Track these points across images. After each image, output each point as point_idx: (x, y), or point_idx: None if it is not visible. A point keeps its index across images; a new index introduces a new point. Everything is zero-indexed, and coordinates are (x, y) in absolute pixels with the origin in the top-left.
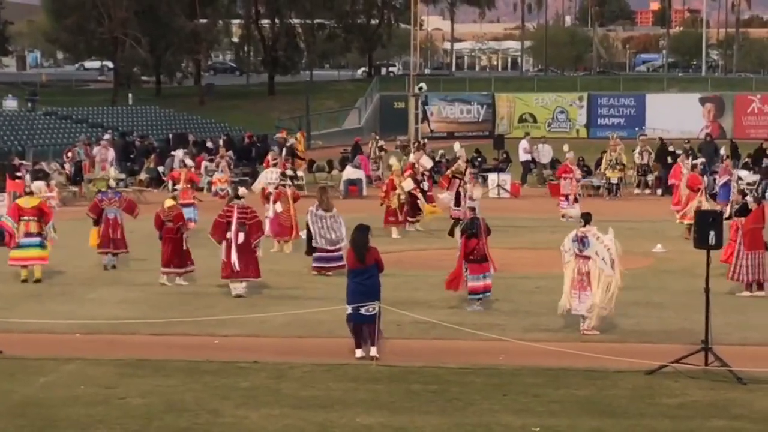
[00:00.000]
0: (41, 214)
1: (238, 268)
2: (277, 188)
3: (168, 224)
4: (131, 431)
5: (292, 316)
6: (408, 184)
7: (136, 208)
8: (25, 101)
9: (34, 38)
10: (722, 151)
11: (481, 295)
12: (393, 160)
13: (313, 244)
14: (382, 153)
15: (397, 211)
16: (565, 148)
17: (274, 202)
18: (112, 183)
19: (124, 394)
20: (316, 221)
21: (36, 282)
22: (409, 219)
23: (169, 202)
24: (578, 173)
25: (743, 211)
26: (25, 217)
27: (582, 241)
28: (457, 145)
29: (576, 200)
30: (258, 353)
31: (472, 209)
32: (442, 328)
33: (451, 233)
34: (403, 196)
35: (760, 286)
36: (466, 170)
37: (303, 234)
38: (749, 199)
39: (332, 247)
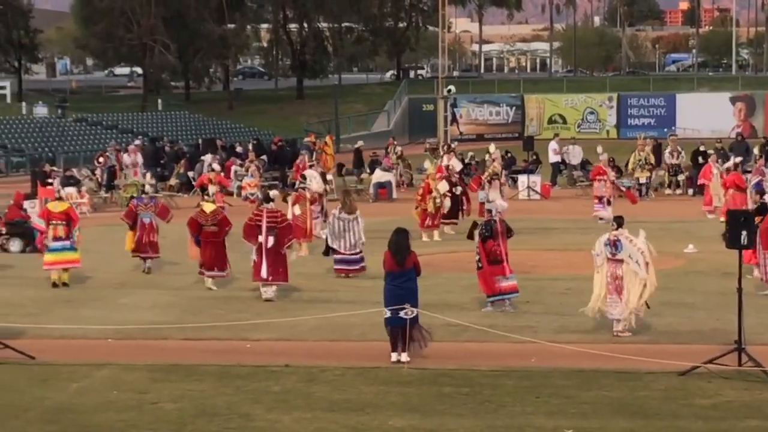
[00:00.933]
0: (69, 219)
1: (267, 273)
2: (297, 191)
3: (211, 228)
4: None
5: (323, 320)
6: (443, 186)
7: (169, 214)
8: (56, 108)
9: (63, 45)
10: (755, 151)
11: (507, 297)
12: (428, 164)
13: (330, 245)
14: (400, 161)
15: (433, 215)
16: (599, 149)
17: (293, 204)
18: (148, 188)
19: (157, 399)
20: (338, 224)
21: (64, 286)
22: (444, 221)
23: (210, 207)
24: (612, 175)
25: (762, 210)
26: (54, 222)
27: (615, 245)
28: (492, 147)
29: (609, 202)
30: (289, 357)
31: (489, 211)
32: (473, 331)
33: (470, 236)
34: (438, 200)
35: None
36: (501, 171)
37: (322, 234)
38: (767, 198)
39: (351, 251)
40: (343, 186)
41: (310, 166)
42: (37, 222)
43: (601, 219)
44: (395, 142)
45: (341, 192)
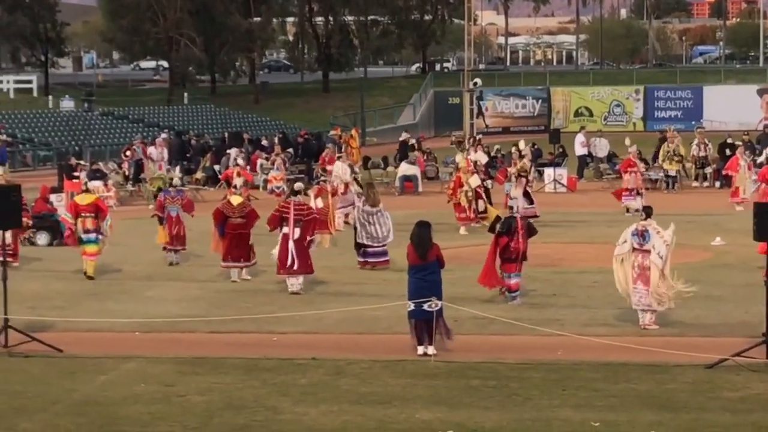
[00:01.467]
0: (98, 211)
1: (294, 264)
2: (318, 184)
3: (238, 220)
4: (191, 429)
5: (349, 313)
6: (474, 181)
7: (194, 208)
8: (82, 102)
9: (90, 39)
10: None
11: (513, 294)
12: (459, 157)
13: (357, 240)
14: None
15: (466, 208)
16: (627, 141)
17: (315, 198)
18: (176, 182)
19: (184, 391)
20: (363, 216)
21: (89, 279)
22: (479, 216)
23: (237, 199)
24: (642, 167)
25: None
26: (83, 214)
27: (642, 235)
28: (522, 143)
29: (639, 193)
30: (316, 350)
31: (510, 208)
32: (500, 324)
33: (492, 230)
34: (470, 193)
35: None
36: (531, 168)
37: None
38: None
39: (377, 244)
40: (368, 179)
41: (338, 158)
42: (65, 216)
43: (628, 211)
44: (408, 136)
45: (365, 185)
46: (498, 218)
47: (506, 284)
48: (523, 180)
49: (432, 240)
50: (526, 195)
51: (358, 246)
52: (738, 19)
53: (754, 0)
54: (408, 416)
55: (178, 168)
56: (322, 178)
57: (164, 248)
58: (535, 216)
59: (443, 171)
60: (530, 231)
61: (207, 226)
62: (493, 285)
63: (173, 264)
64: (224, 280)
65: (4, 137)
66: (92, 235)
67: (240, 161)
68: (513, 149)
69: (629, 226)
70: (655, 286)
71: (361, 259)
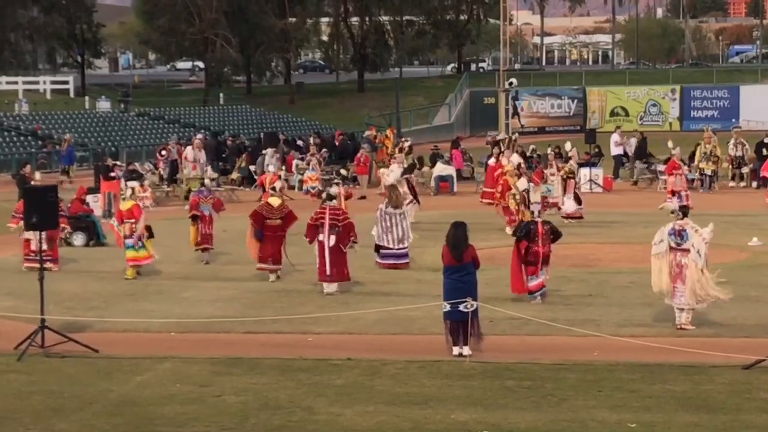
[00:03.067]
0: (134, 217)
1: (330, 272)
2: (344, 187)
3: (276, 222)
4: (227, 429)
5: (384, 313)
6: (522, 184)
7: (223, 207)
8: (118, 102)
9: (126, 40)
10: None
11: (537, 293)
12: (517, 159)
13: (377, 242)
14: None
15: (514, 211)
16: (670, 144)
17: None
18: (207, 182)
19: (219, 392)
20: (384, 219)
21: (126, 279)
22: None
23: (276, 201)
24: (686, 169)
25: None
26: (125, 220)
27: (680, 234)
28: (568, 145)
29: (674, 193)
30: (351, 350)
31: (532, 213)
32: (535, 324)
33: (515, 234)
34: (518, 196)
35: None
36: (578, 170)
37: (373, 232)
38: None
39: (398, 246)
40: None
41: (391, 156)
42: (113, 224)
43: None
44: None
45: (388, 187)
46: (521, 222)
47: (530, 288)
48: (572, 182)
49: (468, 240)
50: (575, 196)
51: (377, 247)
52: None
53: None
54: (443, 417)
55: (209, 168)
56: (335, 180)
57: (198, 248)
58: (581, 217)
59: (479, 171)
60: (555, 235)
61: (243, 226)
62: (523, 291)
63: (207, 263)
64: (260, 280)
65: (68, 136)
66: (129, 241)
67: (271, 167)
68: (549, 150)
69: (665, 226)
70: (693, 283)
71: (380, 261)
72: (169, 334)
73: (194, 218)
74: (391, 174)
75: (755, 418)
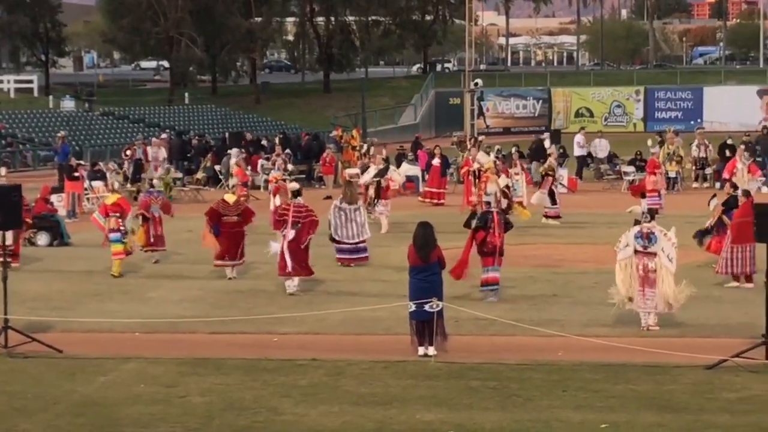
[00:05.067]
0: (121, 210)
1: (290, 267)
2: (277, 183)
3: (233, 218)
4: (192, 430)
5: (349, 314)
6: (503, 181)
7: (170, 211)
8: (83, 102)
9: (90, 39)
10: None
11: (489, 288)
12: (483, 158)
13: (333, 237)
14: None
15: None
16: (649, 142)
17: (274, 195)
18: (156, 183)
19: (184, 392)
20: (339, 214)
21: (115, 277)
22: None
23: (231, 198)
24: (664, 169)
25: (729, 203)
26: (110, 214)
27: (648, 237)
28: (547, 142)
29: (643, 195)
30: (316, 351)
31: (487, 203)
32: (500, 325)
33: (468, 225)
34: (499, 194)
35: (749, 279)
36: (557, 168)
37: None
38: (739, 192)
39: (351, 241)
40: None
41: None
42: (96, 217)
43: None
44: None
45: (344, 183)
46: (473, 213)
47: (483, 279)
48: (550, 179)
49: (435, 241)
50: (551, 195)
51: (333, 241)
52: (738, 20)
53: (754, 1)
54: (408, 417)
55: (159, 170)
56: (283, 176)
57: (146, 249)
58: (558, 217)
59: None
60: (507, 225)
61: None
62: (460, 275)
63: (157, 261)
64: (225, 280)
65: (62, 133)
66: (116, 235)
67: (232, 162)
68: (513, 150)
69: (630, 230)
70: (667, 290)
71: (340, 256)
72: (134, 334)
73: (144, 219)
74: (366, 175)
75: (718, 418)
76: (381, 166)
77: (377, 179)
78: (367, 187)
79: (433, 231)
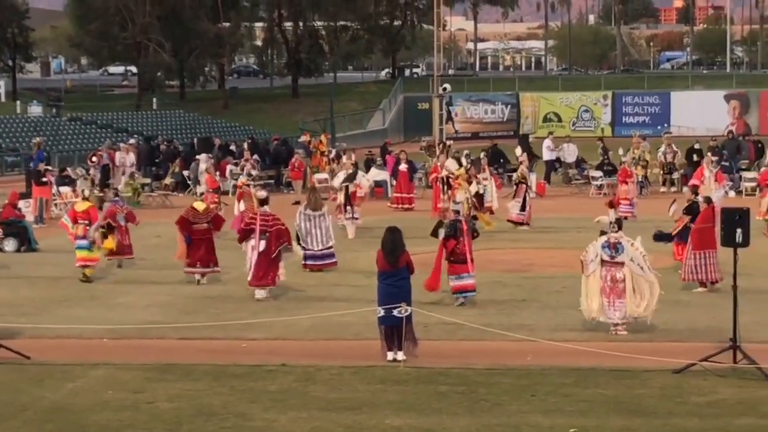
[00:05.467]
0: (89, 219)
1: (258, 276)
2: (240, 188)
3: (203, 226)
4: None
5: (318, 319)
6: (474, 188)
7: (136, 220)
8: (50, 107)
9: (58, 44)
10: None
11: (464, 294)
12: (452, 165)
13: (300, 243)
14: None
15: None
16: (620, 151)
17: (238, 200)
18: (121, 190)
19: (153, 398)
20: (304, 220)
21: (87, 282)
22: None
23: (201, 205)
24: (635, 177)
25: (692, 210)
26: (80, 221)
27: (615, 247)
28: (518, 150)
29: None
30: (286, 356)
31: (456, 212)
32: (469, 329)
33: (435, 234)
34: (471, 200)
35: (712, 284)
36: (529, 174)
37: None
38: (700, 198)
39: (320, 247)
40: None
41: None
42: (65, 221)
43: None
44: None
45: (308, 189)
46: (440, 222)
47: (459, 286)
48: (524, 186)
49: (404, 246)
50: (522, 201)
51: (302, 249)
52: (705, 25)
53: (720, 6)
54: (377, 422)
55: (125, 178)
56: (247, 181)
57: (111, 258)
58: (521, 223)
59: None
60: (474, 233)
61: (176, 233)
62: (435, 287)
63: (120, 266)
64: (194, 286)
65: (38, 140)
66: (83, 242)
67: (202, 166)
68: (482, 155)
69: (596, 240)
70: (642, 301)
71: (305, 263)
72: (102, 340)
73: (109, 227)
74: (336, 179)
75: (686, 422)
76: (350, 171)
77: (346, 184)
78: (336, 193)
79: (402, 236)
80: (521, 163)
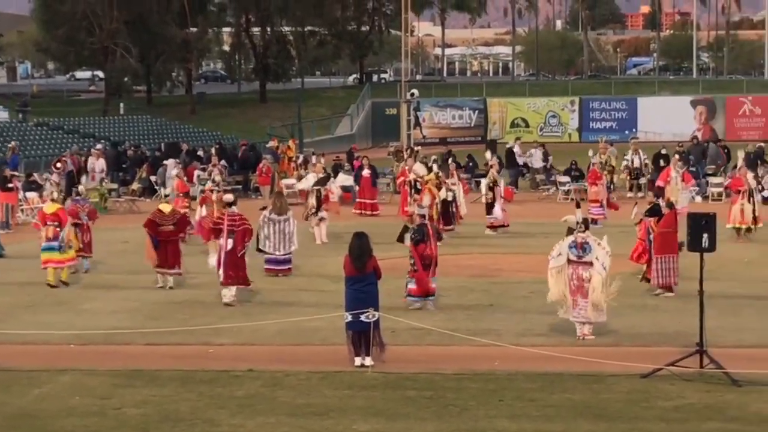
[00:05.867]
0: (59, 221)
1: (227, 275)
2: (203, 192)
3: (169, 228)
4: None
5: (286, 324)
6: (443, 193)
7: (96, 216)
8: (16, 112)
9: (24, 49)
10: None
11: (425, 299)
12: (421, 169)
13: (260, 247)
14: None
15: (436, 220)
16: (590, 153)
17: (201, 205)
18: (81, 189)
19: (119, 404)
20: (267, 224)
21: (63, 285)
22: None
23: (167, 208)
24: (605, 179)
25: (654, 212)
26: (48, 223)
27: (582, 247)
28: (488, 154)
29: (578, 205)
30: (253, 362)
31: (422, 216)
32: (437, 334)
33: (401, 239)
34: (440, 206)
35: (670, 289)
36: (499, 180)
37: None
38: (662, 202)
39: (279, 252)
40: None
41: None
42: (37, 222)
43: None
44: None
45: (274, 194)
46: (406, 227)
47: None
48: (499, 190)
49: (371, 251)
50: (490, 206)
51: (260, 252)
52: (672, 31)
53: (687, 12)
54: (345, 428)
55: (94, 183)
56: (210, 186)
57: (78, 255)
58: (493, 227)
59: (380, 182)
60: (438, 235)
61: (143, 236)
62: (431, 291)
63: (87, 271)
64: (161, 291)
65: (13, 144)
66: (54, 243)
67: (173, 172)
68: (450, 160)
69: (563, 239)
70: (597, 296)
71: (268, 267)
72: (69, 346)
73: (75, 226)
74: (304, 181)
75: (653, 426)
76: (321, 175)
77: (317, 188)
78: (307, 196)
79: (369, 241)
80: (491, 167)
